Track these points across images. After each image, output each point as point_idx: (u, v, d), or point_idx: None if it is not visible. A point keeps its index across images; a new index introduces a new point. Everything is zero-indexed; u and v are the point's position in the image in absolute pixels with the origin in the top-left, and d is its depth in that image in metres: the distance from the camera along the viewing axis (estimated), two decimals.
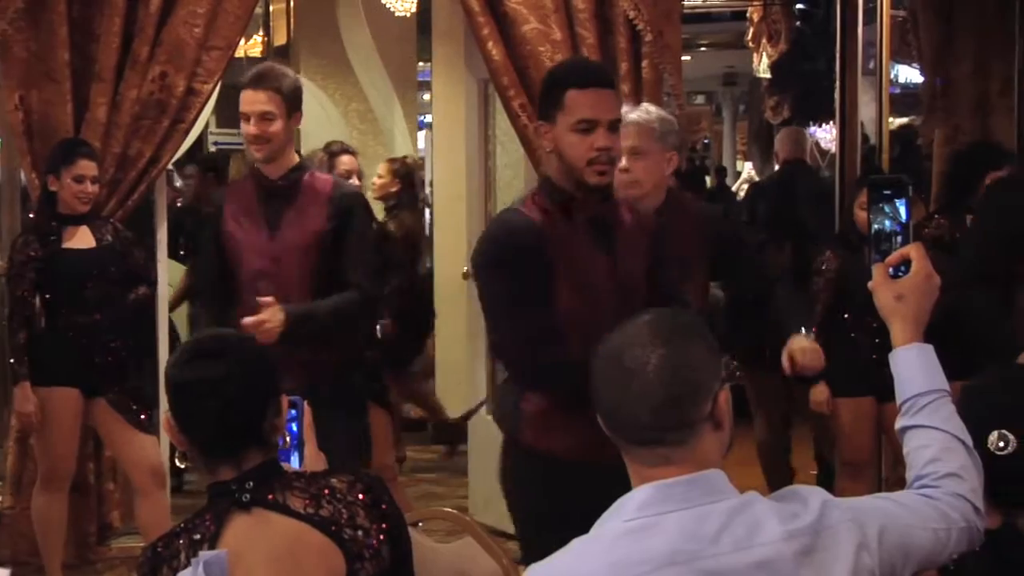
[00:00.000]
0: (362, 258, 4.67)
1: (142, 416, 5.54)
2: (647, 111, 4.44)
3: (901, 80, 12.66)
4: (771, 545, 2.06)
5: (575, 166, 3.61)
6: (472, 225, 6.77)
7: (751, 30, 11.13)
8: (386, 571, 2.47)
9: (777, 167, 8.05)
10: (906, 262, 2.43)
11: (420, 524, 3.23)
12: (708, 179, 16.09)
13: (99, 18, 5.77)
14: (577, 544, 2.12)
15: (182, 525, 2.46)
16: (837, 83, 7.07)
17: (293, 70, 9.98)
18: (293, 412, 2.66)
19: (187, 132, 6.10)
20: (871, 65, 7.61)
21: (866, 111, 7.38)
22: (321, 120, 8.96)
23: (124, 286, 5.67)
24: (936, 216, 6.03)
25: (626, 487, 2.14)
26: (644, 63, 5.76)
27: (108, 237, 5.58)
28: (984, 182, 5.80)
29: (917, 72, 8.82)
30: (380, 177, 7.27)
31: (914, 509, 2.24)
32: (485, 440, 6.47)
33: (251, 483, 2.43)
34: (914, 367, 2.39)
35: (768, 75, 12.22)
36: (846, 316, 5.73)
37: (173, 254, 7.02)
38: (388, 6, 9.49)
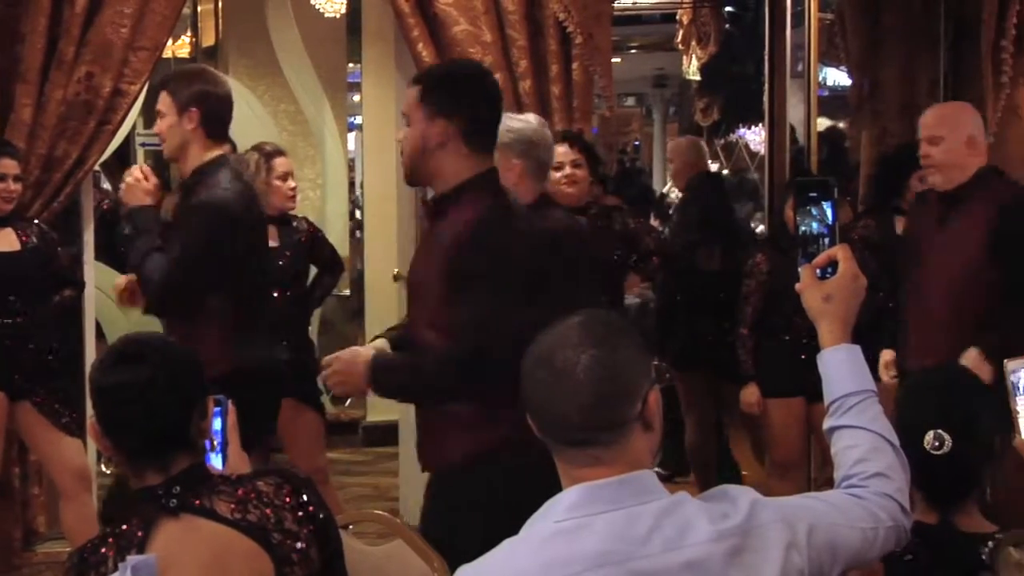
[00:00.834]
0: None
1: (67, 419, 5.48)
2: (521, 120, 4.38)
3: (829, 83, 12.76)
4: (701, 545, 2.07)
5: None
6: (403, 227, 6.75)
7: (681, 32, 11.16)
8: (316, 573, 2.46)
9: (674, 179, 7.96)
10: (833, 263, 2.44)
11: (351, 527, 3.21)
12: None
13: (24, 18, 5.71)
14: (507, 545, 2.12)
15: (109, 530, 2.44)
16: (766, 85, 7.12)
17: (222, 71, 9.95)
18: (217, 410, 2.63)
19: (114, 133, 6.04)
20: (799, 68, 7.67)
21: (795, 113, 7.44)
22: (250, 121, 8.89)
23: (49, 288, 5.61)
24: (864, 217, 6.08)
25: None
26: (574, 65, 5.77)
27: (33, 239, 5.52)
28: (910, 183, 5.88)
29: (845, 75, 8.88)
30: None
31: (842, 508, 2.26)
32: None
33: (178, 488, 2.41)
34: (842, 368, 2.41)
35: (698, 77, 12.26)
36: (776, 317, 5.78)
37: (102, 256, 6.94)
38: (317, 7, 9.45)
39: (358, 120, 12.43)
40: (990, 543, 2.81)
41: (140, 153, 10.82)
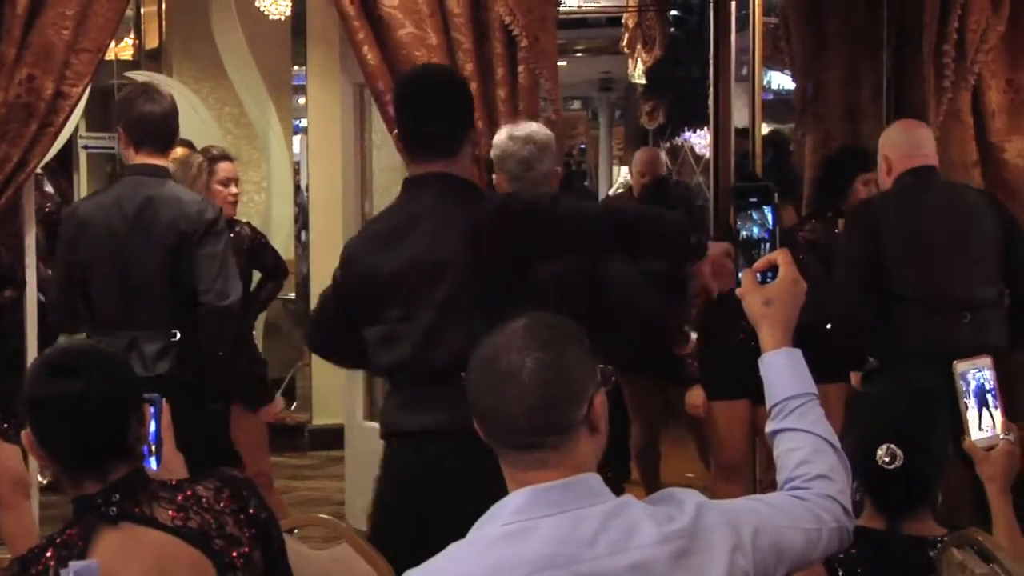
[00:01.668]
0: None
1: (5, 425, 5.41)
2: (534, 129, 4.57)
3: (774, 86, 12.84)
4: (646, 548, 2.07)
5: None
6: (348, 229, 6.72)
7: (626, 36, 11.17)
8: None
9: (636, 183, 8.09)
10: (773, 268, 2.45)
11: (296, 531, 3.20)
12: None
13: None
14: (453, 548, 2.11)
15: (50, 538, 2.41)
16: (711, 89, 7.14)
17: (165, 73, 9.90)
18: (151, 410, 2.60)
19: (56, 136, 5.96)
20: (744, 71, 7.70)
21: (739, 117, 7.47)
22: (194, 124, 8.84)
23: None
24: (809, 220, 6.11)
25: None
26: (520, 68, 5.76)
27: None
28: (853, 186, 5.91)
29: (789, 78, 8.93)
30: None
31: (786, 510, 2.27)
32: (362, 446, 6.43)
33: (117, 496, 2.38)
34: (783, 371, 2.42)
35: (643, 81, 12.30)
36: (722, 320, 5.79)
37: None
38: (262, 9, 9.42)
39: (303, 123, 12.39)
40: (938, 546, 2.84)
41: (83, 156, 10.75)
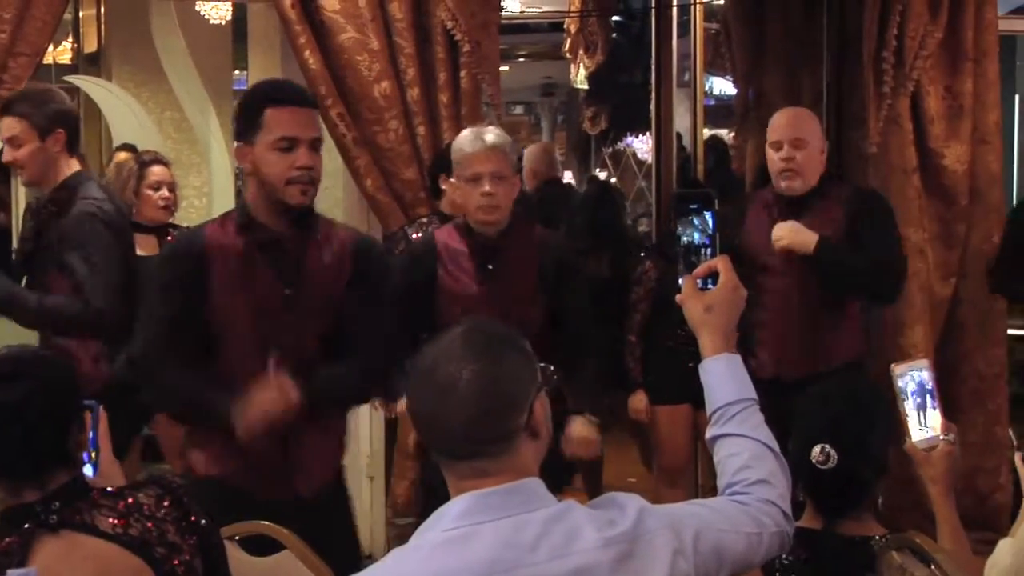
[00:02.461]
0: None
1: None
2: (501, 134, 4.39)
3: (716, 92, 12.90)
4: (588, 552, 2.07)
5: (275, 185, 3.56)
6: None
7: (568, 41, 11.19)
8: None
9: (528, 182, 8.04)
10: (714, 274, 2.46)
11: (236, 538, 3.17)
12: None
13: None
14: (396, 554, 2.11)
15: None
16: (653, 94, 7.17)
17: (104, 78, 9.81)
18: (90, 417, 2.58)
19: None
20: (686, 77, 7.74)
21: (681, 122, 7.50)
22: (134, 129, 8.77)
23: None
24: None
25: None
26: (462, 73, 5.76)
27: None
28: None
29: (730, 84, 8.98)
30: None
31: (727, 515, 2.28)
32: None
33: (57, 504, 2.36)
34: (723, 377, 2.43)
35: (585, 86, 12.33)
36: (664, 325, 5.82)
37: None
38: (203, 14, 9.36)
39: None
40: (874, 544, 2.86)
41: None
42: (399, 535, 5.69)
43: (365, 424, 6.07)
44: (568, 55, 11.34)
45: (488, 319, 2.21)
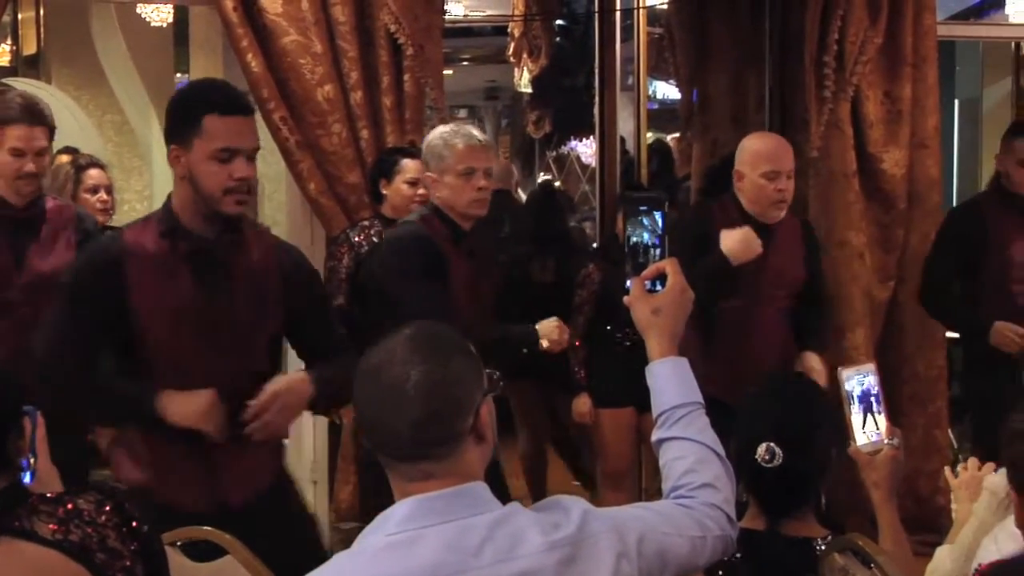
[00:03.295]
0: None
1: None
2: (479, 132, 4.55)
3: (659, 96, 12.94)
4: (532, 556, 2.07)
5: (212, 195, 3.47)
6: None
7: (512, 45, 11.19)
8: None
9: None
10: (662, 276, 2.47)
11: (178, 543, 3.15)
12: None
13: None
14: (339, 558, 2.10)
15: None
16: (596, 98, 7.18)
17: (44, 80, 9.72)
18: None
19: None
20: (629, 81, 7.75)
21: (625, 126, 7.52)
22: (74, 132, 8.70)
23: None
24: None
25: None
26: (406, 77, 5.75)
27: None
28: None
29: (674, 88, 9.01)
30: None
31: (672, 518, 2.28)
32: None
33: None
34: (669, 380, 2.44)
35: (529, 90, 12.34)
36: (608, 328, 5.83)
37: None
38: (143, 16, 9.29)
39: None
40: (817, 546, 2.87)
41: None
42: (343, 539, 5.66)
43: (308, 429, 6.04)
44: (512, 59, 11.34)
45: (433, 322, 2.20)
